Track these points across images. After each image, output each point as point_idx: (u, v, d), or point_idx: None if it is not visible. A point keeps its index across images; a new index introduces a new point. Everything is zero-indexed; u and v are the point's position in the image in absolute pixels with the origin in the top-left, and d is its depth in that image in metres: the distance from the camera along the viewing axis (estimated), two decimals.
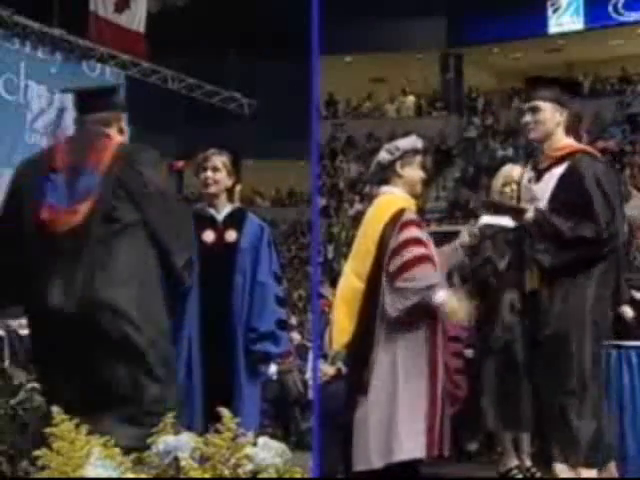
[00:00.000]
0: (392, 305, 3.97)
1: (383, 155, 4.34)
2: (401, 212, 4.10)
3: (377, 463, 3.94)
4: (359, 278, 4.08)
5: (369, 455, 3.96)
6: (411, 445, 3.94)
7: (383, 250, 4.03)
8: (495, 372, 4.93)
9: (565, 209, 3.84)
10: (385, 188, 4.31)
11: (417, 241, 4.06)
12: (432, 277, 3.98)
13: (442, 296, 3.93)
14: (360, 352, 4.06)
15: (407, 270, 3.96)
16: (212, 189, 4.35)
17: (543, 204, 3.93)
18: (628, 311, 5.30)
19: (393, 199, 4.23)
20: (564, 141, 4.06)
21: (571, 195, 3.86)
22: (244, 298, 4.21)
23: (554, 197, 3.91)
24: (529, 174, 4.22)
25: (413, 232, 4.08)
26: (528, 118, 4.07)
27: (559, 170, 3.95)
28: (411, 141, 4.38)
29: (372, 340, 4.00)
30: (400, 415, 3.95)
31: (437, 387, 4.05)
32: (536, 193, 4.04)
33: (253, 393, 4.22)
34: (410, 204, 4.24)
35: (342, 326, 4.10)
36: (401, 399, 3.96)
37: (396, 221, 4.07)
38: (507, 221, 5.00)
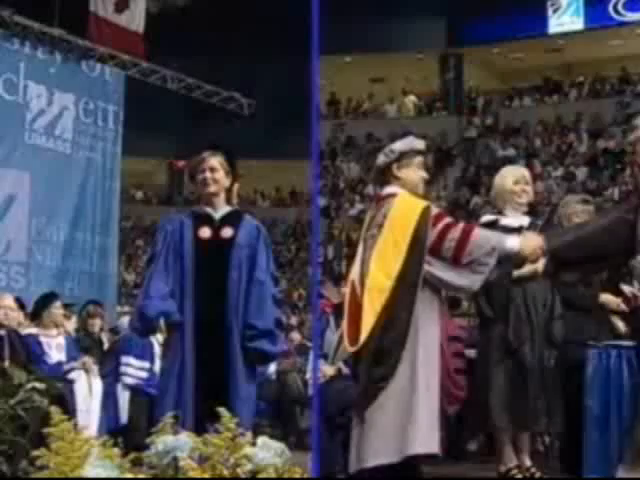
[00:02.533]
0: (471, 281, 4.03)
1: (380, 158, 4.36)
2: (428, 208, 4.13)
3: (393, 457, 3.93)
4: (388, 277, 4.06)
5: (385, 449, 3.95)
6: (430, 439, 3.94)
7: (418, 247, 4.03)
8: (505, 372, 4.93)
9: None
10: (393, 188, 4.31)
11: (454, 223, 4.13)
12: (489, 237, 4.07)
13: (514, 242, 4.04)
14: (388, 347, 4.03)
15: (465, 244, 4.01)
16: (212, 188, 4.35)
17: None
18: (620, 326, 5.30)
19: (413, 199, 4.25)
20: None
21: None
22: (240, 295, 4.20)
23: None
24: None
25: (446, 219, 4.13)
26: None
27: None
28: (407, 142, 4.37)
29: (406, 336, 3.99)
30: (420, 410, 3.95)
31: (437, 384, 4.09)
32: None
33: (248, 392, 4.21)
34: None
35: (368, 324, 4.08)
36: (421, 395, 3.97)
37: (427, 217, 4.08)
38: (511, 220, 5.01)
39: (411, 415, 3.94)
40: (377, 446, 3.96)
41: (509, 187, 5.15)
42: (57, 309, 7.25)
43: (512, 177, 5.19)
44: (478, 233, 4.07)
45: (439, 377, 4.10)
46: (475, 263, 4.00)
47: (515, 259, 4.10)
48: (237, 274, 4.23)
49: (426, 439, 3.93)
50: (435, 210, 4.18)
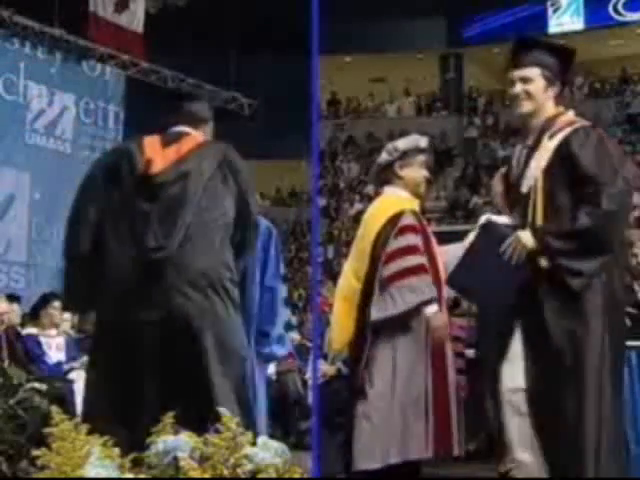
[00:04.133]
0: (378, 309, 3.96)
1: (382, 156, 4.33)
2: (399, 215, 4.07)
3: (377, 463, 3.93)
4: (357, 278, 4.07)
5: (370, 455, 3.95)
6: (409, 446, 3.92)
7: (379, 251, 4.01)
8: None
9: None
10: (388, 188, 4.30)
11: (415, 249, 4.03)
12: (428, 291, 3.97)
13: (433, 309, 3.94)
14: (357, 352, 4.05)
15: (404, 277, 3.94)
16: None
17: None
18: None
19: (393, 200, 4.21)
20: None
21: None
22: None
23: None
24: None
25: (411, 239, 4.04)
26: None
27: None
28: (411, 141, 4.35)
29: (365, 340, 3.98)
30: (399, 416, 3.93)
31: (445, 387, 4.04)
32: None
33: (262, 394, 4.21)
34: (412, 205, 4.21)
35: (343, 326, 4.09)
36: (401, 400, 3.95)
37: (394, 224, 4.04)
38: (508, 220, 4.99)
39: (392, 422, 3.92)
40: (363, 451, 3.96)
41: (500, 191, 5.13)
42: (55, 309, 7.24)
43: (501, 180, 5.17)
44: (424, 278, 3.97)
45: (432, 379, 4.03)
46: (400, 300, 3.92)
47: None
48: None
49: (406, 446, 3.91)
50: (408, 220, 4.10)
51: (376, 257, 4.01)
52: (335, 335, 4.14)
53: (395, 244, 4.00)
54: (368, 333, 3.98)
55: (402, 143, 4.32)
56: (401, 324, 4.00)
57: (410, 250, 4.01)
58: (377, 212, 4.17)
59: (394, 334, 4.00)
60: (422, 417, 3.96)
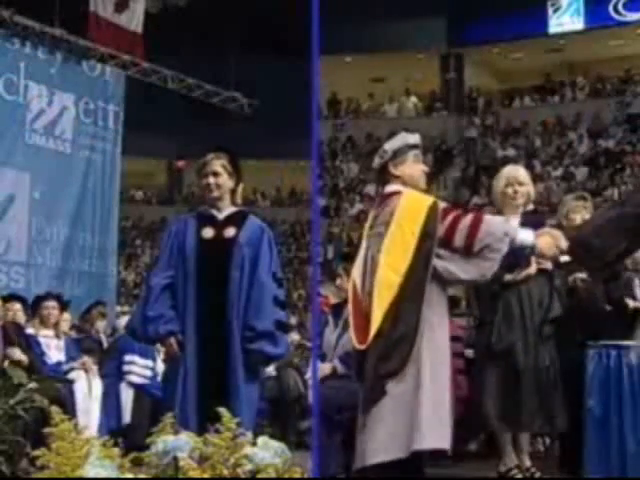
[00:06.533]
0: (482, 269, 3.97)
1: (375, 160, 4.34)
2: (435, 204, 4.11)
3: (399, 453, 3.90)
4: (396, 273, 4.04)
5: (391, 445, 3.91)
6: (437, 434, 3.91)
7: (427, 243, 4.01)
8: (497, 373, 4.92)
9: None
10: (395, 186, 4.29)
11: (462, 214, 4.08)
12: (501, 224, 4.03)
13: (528, 234, 4.00)
14: (396, 343, 4.00)
15: (476, 232, 3.95)
16: (215, 194, 4.37)
17: None
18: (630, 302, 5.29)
19: (418, 194, 4.24)
20: None
21: None
22: (241, 295, 4.20)
23: None
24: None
25: (455, 212, 4.09)
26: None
27: None
28: (399, 139, 4.35)
29: (416, 330, 3.96)
30: (425, 406, 3.91)
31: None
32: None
33: (250, 393, 4.20)
34: None
35: (377, 320, 4.05)
36: (426, 390, 3.94)
37: (436, 211, 4.06)
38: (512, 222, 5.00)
39: (417, 411, 3.91)
40: (384, 442, 3.93)
41: (501, 190, 5.17)
42: (48, 309, 7.18)
43: (504, 179, 5.19)
44: (489, 220, 4.03)
45: (449, 375, 4.06)
46: (487, 249, 3.93)
47: (530, 252, 4.06)
48: (239, 274, 4.23)
49: (433, 434, 3.90)
50: (442, 204, 4.16)
51: (424, 249, 4.01)
52: (372, 329, 4.06)
53: (446, 223, 4.02)
54: (420, 323, 3.98)
55: (390, 144, 4.32)
56: (427, 319, 4.00)
57: (460, 216, 4.05)
58: (412, 206, 4.14)
59: (421, 328, 4.00)
60: (445, 409, 3.96)
